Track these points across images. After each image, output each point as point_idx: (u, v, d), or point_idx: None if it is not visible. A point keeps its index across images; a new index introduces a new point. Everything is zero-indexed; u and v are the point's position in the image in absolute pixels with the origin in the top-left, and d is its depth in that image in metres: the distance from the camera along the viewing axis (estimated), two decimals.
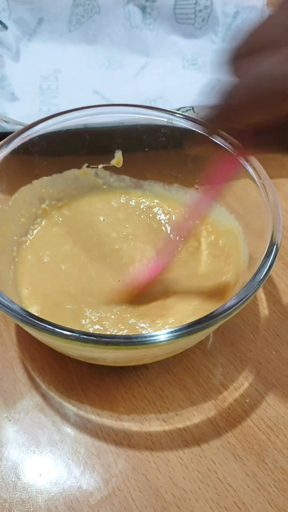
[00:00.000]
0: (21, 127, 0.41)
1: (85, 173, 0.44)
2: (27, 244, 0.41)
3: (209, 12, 0.65)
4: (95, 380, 0.37)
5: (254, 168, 0.37)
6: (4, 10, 0.61)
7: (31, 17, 0.63)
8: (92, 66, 0.64)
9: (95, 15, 0.64)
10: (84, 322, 0.36)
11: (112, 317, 0.36)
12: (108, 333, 0.35)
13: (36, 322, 0.27)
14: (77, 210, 0.44)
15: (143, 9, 0.65)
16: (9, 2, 0.62)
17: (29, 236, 0.41)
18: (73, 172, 0.43)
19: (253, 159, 0.38)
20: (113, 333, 0.35)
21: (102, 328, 0.36)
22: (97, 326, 0.36)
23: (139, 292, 0.37)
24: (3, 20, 0.61)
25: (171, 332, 0.28)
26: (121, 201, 0.45)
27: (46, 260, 0.40)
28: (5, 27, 0.61)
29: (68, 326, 0.27)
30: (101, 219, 0.43)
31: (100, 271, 0.39)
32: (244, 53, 0.24)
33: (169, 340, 0.28)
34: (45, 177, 0.42)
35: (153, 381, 0.37)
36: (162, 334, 0.28)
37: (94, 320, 0.36)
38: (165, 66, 0.65)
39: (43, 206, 0.43)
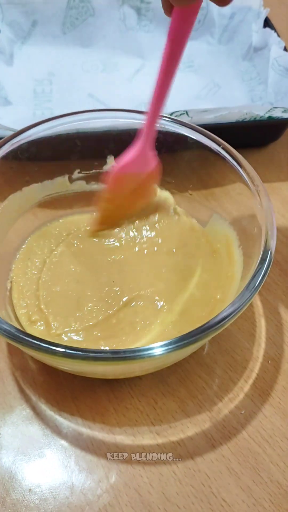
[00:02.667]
0: (12, 132, 0.41)
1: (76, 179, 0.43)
2: (19, 252, 0.40)
3: (205, 13, 0.65)
4: (87, 391, 0.36)
5: (247, 174, 0.36)
6: None
7: (24, 20, 0.63)
8: (87, 69, 0.63)
9: (90, 17, 0.63)
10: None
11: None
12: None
13: (22, 338, 0.27)
14: (68, 219, 0.43)
15: (138, 10, 0.64)
16: (2, 5, 0.61)
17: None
18: (65, 178, 0.42)
19: (247, 165, 0.37)
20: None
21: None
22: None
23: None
24: None
25: (162, 345, 0.27)
26: None
27: (36, 271, 0.39)
28: None
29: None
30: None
31: (94, 279, 0.38)
32: None
33: (160, 354, 0.27)
34: (36, 184, 0.41)
35: (146, 392, 0.37)
36: (153, 348, 0.27)
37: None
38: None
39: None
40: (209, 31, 0.65)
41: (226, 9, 0.64)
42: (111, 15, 0.64)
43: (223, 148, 0.37)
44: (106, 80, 0.62)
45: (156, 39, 0.65)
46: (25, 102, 0.57)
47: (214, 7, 0.64)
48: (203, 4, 0.64)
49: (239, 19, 0.63)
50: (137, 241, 0.41)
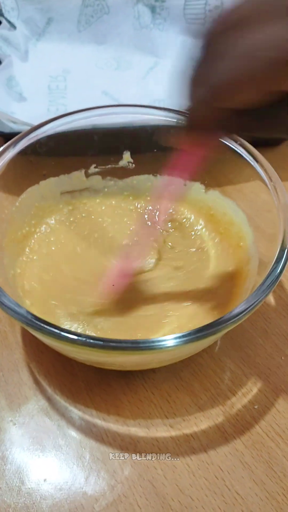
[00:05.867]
0: (29, 127, 0.41)
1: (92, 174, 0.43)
2: (32, 243, 0.40)
3: (219, 12, 0.65)
4: (101, 384, 0.37)
5: (265, 170, 0.36)
6: (13, 9, 0.61)
7: (40, 17, 0.63)
8: (101, 66, 0.63)
9: (104, 15, 0.64)
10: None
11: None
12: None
13: (42, 326, 0.27)
14: (84, 211, 0.44)
15: (153, 9, 0.65)
16: (18, 2, 0.61)
17: (35, 235, 0.41)
18: (81, 173, 0.43)
19: (264, 161, 0.37)
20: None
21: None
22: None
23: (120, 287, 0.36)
24: (11, 20, 0.61)
25: (179, 337, 0.27)
26: (129, 202, 0.44)
27: (47, 261, 0.40)
28: (14, 26, 0.61)
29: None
30: (109, 220, 0.43)
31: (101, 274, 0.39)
32: (221, 30, 0.23)
33: (177, 345, 0.27)
34: (53, 178, 0.42)
35: (160, 385, 0.37)
36: (170, 339, 0.27)
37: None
38: (174, 66, 0.64)
39: (50, 206, 0.42)
40: None
41: None
42: (126, 13, 0.64)
43: (240, 145, 0.38)
44: (120, 78, 0.62)
45: (170, 37, 0.66)
46: (40, 98, 0.58)
47: (228, 5, 0.64)
48: (217, 3, 0.65)
49: None
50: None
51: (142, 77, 0.63)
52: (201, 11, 0.65)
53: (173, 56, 0.65)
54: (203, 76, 0.24)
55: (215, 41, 0.23)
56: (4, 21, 0.61)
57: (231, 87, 0.23)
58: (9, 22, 0.61)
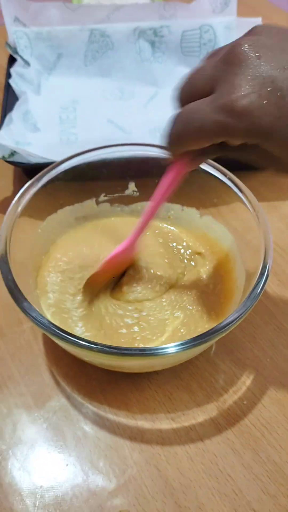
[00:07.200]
0: (42, 159, 0.48)
1: (102, 202, 0.50)
2: (51, 265, 0.47)
3: (213, 45, 0.71)
4: (112, 384, 0.43)
5: (249, 201, 0.42)
6: (26, 48, 0.68)
7: (50, 53, 0.70)
8: (107, 97, 0.70)
9: (109, 50, 0.70)
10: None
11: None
12: None
13: (65, 336, 0.33)
14: (96, 230, 0.50)
15: (152, 43, 0.71)
16: (31, 40, 0.68)
17: (54, 257, 0.47)
18: (92, 201, 0.49)
19: (249, 193, 0.43)
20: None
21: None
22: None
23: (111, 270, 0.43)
24: (25, 57, 0.67)
25: (179, 345, 0.33)
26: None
27: (62, 274, 0.46)
28: (28, 63, 0.68)
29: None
30: (118, 233, 0.49)
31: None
32: (185, 96, 0.32)
33: (177, 352, 0.33)
34: (68, 207, 0.48)
35: (163, 385, 0.43)
36: (171, 346, 0.33)
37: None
38: (173, 95, 0.70)
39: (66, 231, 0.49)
40: None
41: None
42: (128, 48, 0.71)
43: (229, 178, 0.44)
44: (123, 107, 0.69)
45: (168, 69, 0.72)
46: (52, 128, 0.64)
47: (221, 39, 0.71)
48: (211, 37, 0.71)
49: None
50: None
51: (143, 106, 0.69)
52: (196, 44, 0.72)
53: (171, 86, 0.71)
54: (169, 127, 0.32)
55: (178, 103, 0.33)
56: (19, 59, 0.67)
57: (180, 140, 0.31)
58: (23, 59, 0.67)
